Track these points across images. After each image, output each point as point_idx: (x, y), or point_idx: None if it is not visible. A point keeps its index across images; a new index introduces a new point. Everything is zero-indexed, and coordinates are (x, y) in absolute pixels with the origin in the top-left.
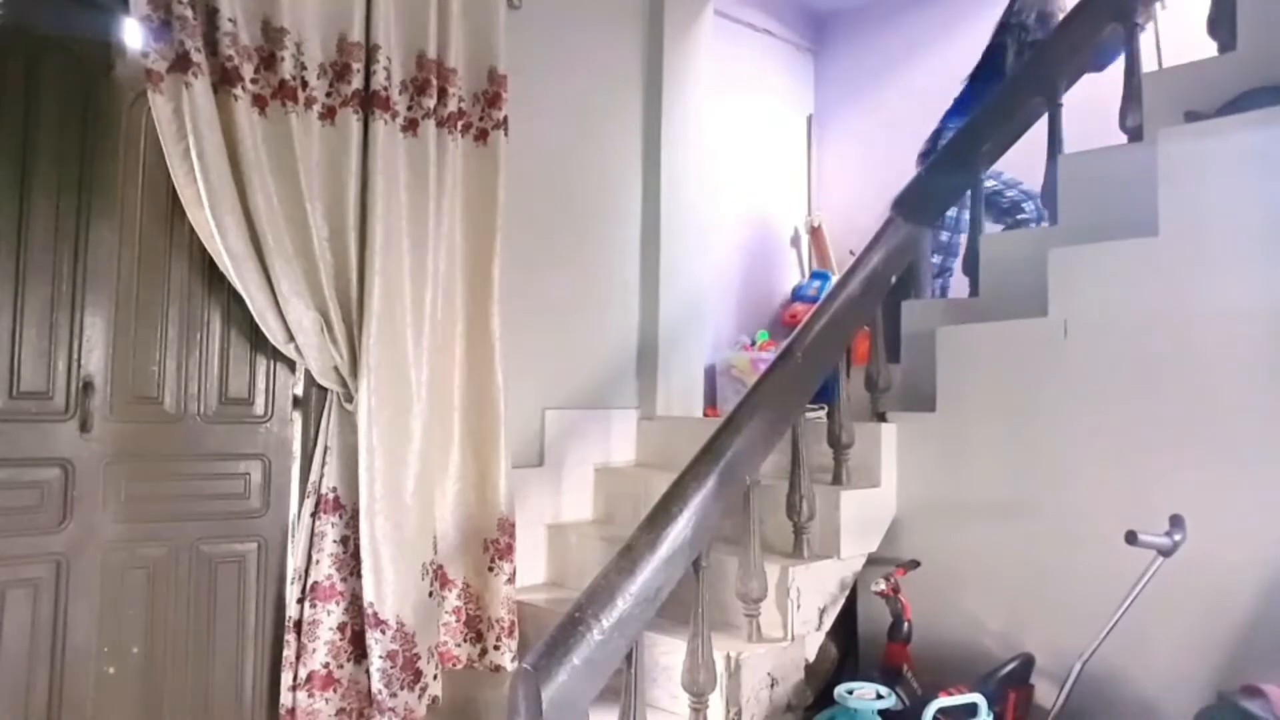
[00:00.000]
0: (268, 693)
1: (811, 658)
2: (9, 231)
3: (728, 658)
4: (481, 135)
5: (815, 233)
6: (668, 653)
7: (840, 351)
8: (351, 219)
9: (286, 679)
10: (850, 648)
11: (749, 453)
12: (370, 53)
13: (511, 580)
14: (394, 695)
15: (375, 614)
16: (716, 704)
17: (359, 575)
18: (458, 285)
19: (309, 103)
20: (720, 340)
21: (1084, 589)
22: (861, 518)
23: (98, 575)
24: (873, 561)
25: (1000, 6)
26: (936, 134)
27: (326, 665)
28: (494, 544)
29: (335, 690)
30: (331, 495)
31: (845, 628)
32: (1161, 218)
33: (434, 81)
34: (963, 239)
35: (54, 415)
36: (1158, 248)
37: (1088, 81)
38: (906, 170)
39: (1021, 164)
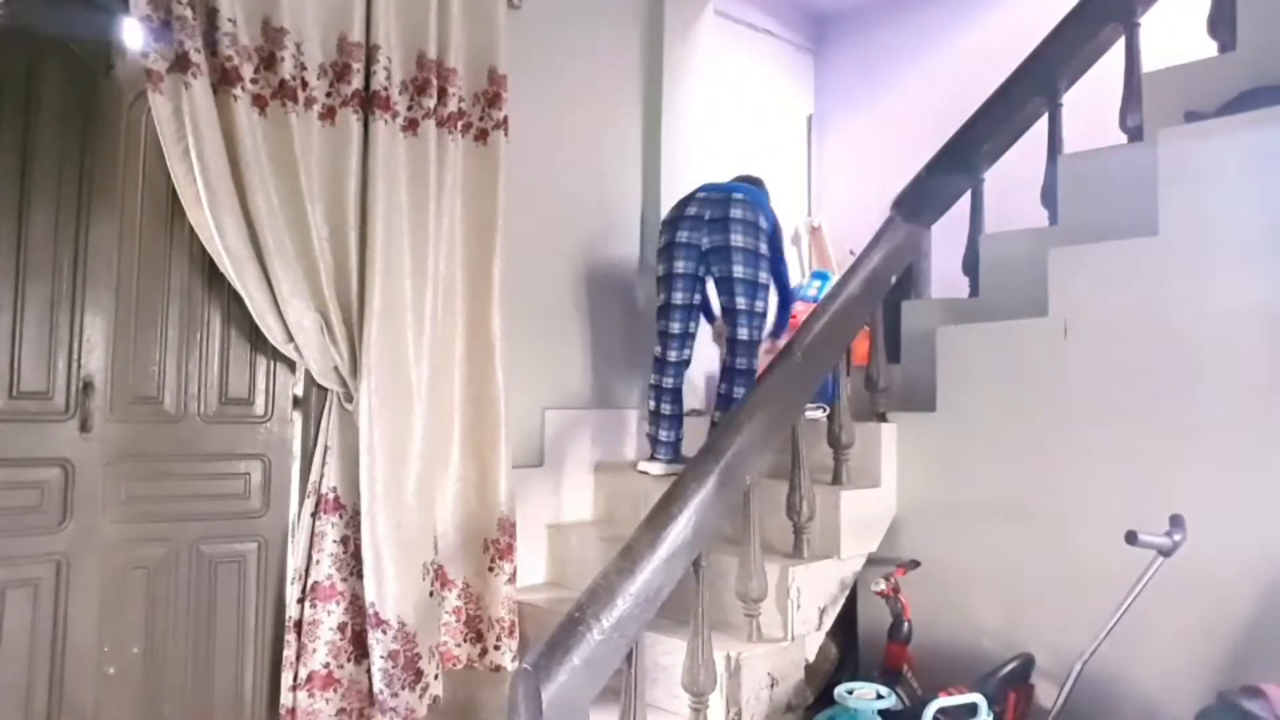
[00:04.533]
0: (268, 693)
1: (811, 658)
2: (9, 231)
3: (728, 658)
4: (481, 135)
5: (815, 233)
6: (668, 653)
7: (840, 351)
8: (352, 219)
9: (287, 679)
10: (850, 648)
11: (749, 453)
12: (370, 53)
13: (512, 580)
14: (395, 695)
15: (377, 614)
16: (716, 704)
17: (359, 575)
18: (458, 285)
19: (309, 103)
20: None
21: (1084, 589)
22: (861, 518)
23: (98, 575)
24: (873, 561)
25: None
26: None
27: (327, 665)
28: (494, 544)
29: (335, 690)
30: (331, 495)
31: (845, 628)
32: (1161, 218)
33: (434, 81)
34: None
35: (54, 415)
36: (1158, 248)
37: (1088, 82)
38: (906, 170)
39: (1022, 164)
